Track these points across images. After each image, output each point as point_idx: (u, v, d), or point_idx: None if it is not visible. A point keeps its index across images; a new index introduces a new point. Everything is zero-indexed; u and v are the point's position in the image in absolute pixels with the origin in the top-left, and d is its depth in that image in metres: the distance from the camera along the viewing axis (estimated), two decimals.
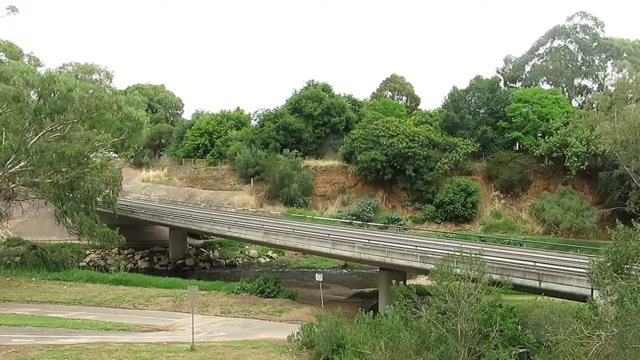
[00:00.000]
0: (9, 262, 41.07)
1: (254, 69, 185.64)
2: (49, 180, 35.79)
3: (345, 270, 48.72)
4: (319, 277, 33.88)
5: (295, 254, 51.48)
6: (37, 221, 50.40)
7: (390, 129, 58.91)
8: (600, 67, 72.40)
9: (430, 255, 26.17)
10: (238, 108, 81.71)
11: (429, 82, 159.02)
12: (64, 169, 35.79)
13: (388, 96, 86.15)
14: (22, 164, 34.87)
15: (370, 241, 31.27)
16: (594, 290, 18.03)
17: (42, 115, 35.01)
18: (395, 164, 58.38)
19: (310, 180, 62.04)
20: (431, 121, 65.67)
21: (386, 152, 57.78)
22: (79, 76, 42.99)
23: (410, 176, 58.17)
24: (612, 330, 13.52)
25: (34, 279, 38.55)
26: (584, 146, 51.60)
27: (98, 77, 45.30)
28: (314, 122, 68.07)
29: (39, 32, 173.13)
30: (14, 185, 38.05)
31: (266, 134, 66.97)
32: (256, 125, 74.28)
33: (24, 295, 33.78)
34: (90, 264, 48.64)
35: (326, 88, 71.81)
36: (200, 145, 74.86)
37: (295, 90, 73.11)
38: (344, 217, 53.98)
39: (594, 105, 55.01)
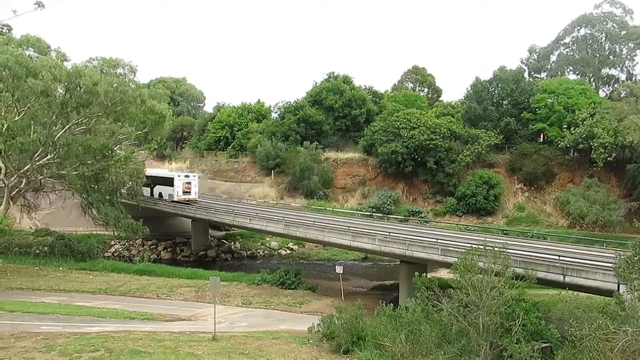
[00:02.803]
0: (38, 252, 42.23)
1: (275, 62, 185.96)
2: (75, 173, 36.58)
3: (365, 263, 48.69)
4: (339, 269, 33.95)
5: (316, 246, 51.65)
6: (64, 212, 51.68)
7: (411, 121, 58.39)
8: (628, 57, 70.34)
9: (451, 248, 25.94)
10: (259, 101, 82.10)
11: (451, 73, 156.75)
12: (89, 162, 36.51)
13: (409, 88, 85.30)
14: (49, 156, 35.63)
15: (391, 234, 31.15)
16: (621, 285, 17.66)
17: (69, 109, 35.69)
18: (416, 156, 57.88)
19: (331, 173, 62.02)
20: (453, 113, 64.82)
21: (407, 145, 57.31)
22: (103, 70, 43.64)
23: (431, 168, 57.63)
24: (639, 326, 13.24)
25: (61, 268, 39.53)
26: (611, 137, 50.27)
27: (122, 71, 45.96)
28: (335, 114, 67.93)
29: (64, 27, 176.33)
30: (41, 177, 38.98)
31: (287, 127, 67.10)
32: (277, 118, 74.50)
33: (51, 284, 34.66)
34: (115, 254, 49.68)
35: (347, 80, 71.51)
36: (222, 138, 75.49)
37: (316, 83, 73.10)
38: (364, 210, 53.85)
39: (622, 95, 53.46)
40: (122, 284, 35.53)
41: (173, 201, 49.25)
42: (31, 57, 42.77)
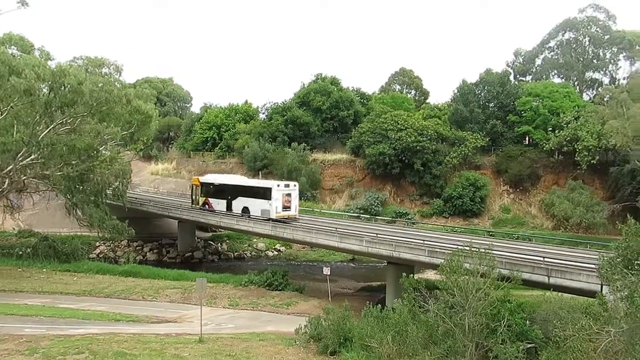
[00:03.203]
0: (21, 253, 41.62)
1: (262, 63, 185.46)
2: (59, 173, 36.14)
3: (352, 264, 48.77)
4: (326, 271, 33.96)
5: (303, 248, 51.59)
6: (48, 213, 50.93)
7: (398, 123, 58.68)
8: (611, 61, 71.53)
9: (438, 250, 26.08)
10: (246, 101, 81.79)
11: (438, 75, 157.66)
12: (74, 162, 36.10)
13: (397, 90, 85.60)
14: (33, 156, 35.17)
15: (378, 235, 31.24)
16: (604, 286, 17.90)
17: (53, 109, 35.26)
18: (403, 158, 58.18)
19: (318, 174, 62.05)
20: (440, 115, 65.28)
21: (394, 146, 57.59)
22: (89, 70, 43.36)
23: (418, 170, 57.98)
24: (621, 327, 13.45)
25: (45, 270, 38.99)
26: (595, 140, 51.06)
27: (108, 70, 45.71)
28: (322, 115, 67.98)
29: (49, 26, 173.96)
30: (25, 177, 38.44)
31: (274, 128, 66.98)
32: (264, 119, 74.31)
33: (35, 286, 34.19)
34: (100, 255, 49.10)
35: (334, 81, 71.60)
36: (209, 139, 75.08)
37: (304, 84, 73.02)
38: (351, 211, 53.94)
39: (605, 99, 54.35)
40: (107, 285, 35.17)
41: (269, 219, 37.09)
42: (14, 56, 42.21)
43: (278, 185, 38.18)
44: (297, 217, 38.57)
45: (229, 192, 41.48)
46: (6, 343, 20.03)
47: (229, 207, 41.11)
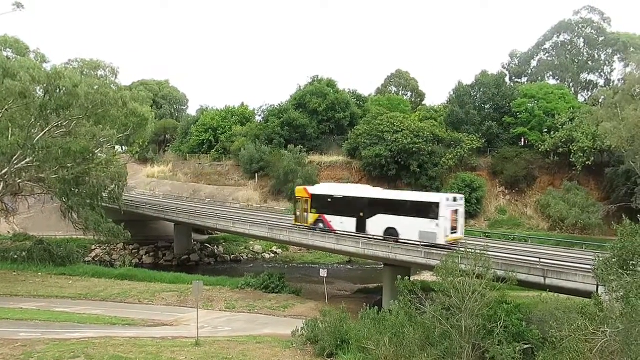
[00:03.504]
0: (16, 257, 41.43)
1: (259, 65, 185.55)
2: (54, 176, 36.01)
3: (349, 266, 48.76)
4: (323, 273, 33.93)
5: (300, 250, 51.56)
6: (43, 216, 50.76)
7: (394, 125, 58.78)
8: (606, 62, 71.94)
9: (434, 251, 26.13)
10: (242, 104, 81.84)
11: (434, 77, 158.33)
12: (69, 165, 35.98)
13: (393, 92, 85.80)
14: (28, 159, 35.04)
15: (375, 237, 31.24)
16: (600, 287, 17.96)
17: (48, 111, 35.18)
18: (399, 160, 58.25)
19: (315, 176, 61.97)
20: (436, 117, 65.41)
21: (391, 148, 57.66)
22: (84, 72, 43.20)
23: (414, 172, 58.03)
24: (617, 327, 13.48)
25: (40, 273, 38.80)
26: (590, 141, 51.31)
27: (103, 73, 45.54)
28: (319, 117, 68.04)
29: (45, 29, 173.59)
30: (20, 180, 38.27)
31: (270, 130, 66.99)
32: (260, 121, 74.34)
33: (30, 289, 34.02)
34: (96, 259, 48.92)
35: (331, 84, 71.71)
36: (205, 141, 75.00)
37: (300, 86, 73.11)
38: None
39: (599, 101, 54.61)
40: (103, 289, 35.04)
41: (434, 245, 27.60)
42: (9, 58, 42.08)
43: (447, 200, 29.26)
44: (463, 240, 29.48)
45: (360, 208, 32.20)
46: (1, 347, 19.89)
47: (360, 226, 31.57)
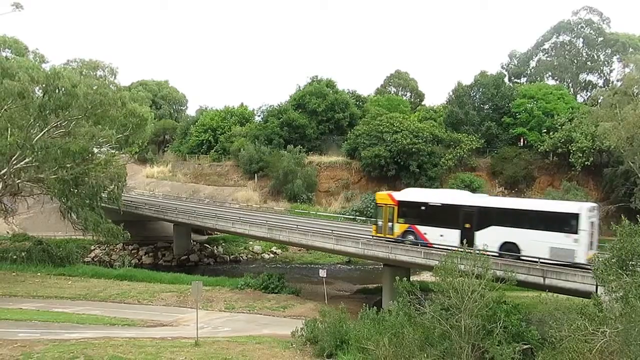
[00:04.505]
0: (15, 257, 41.36)
1: (258, 65, 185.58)
2: (54, 176, 35.96)
3: (349, 267, 48.74)
4: (322, 273, 33.94)
5: (299, 250, 51.55)
6: (43, 217, 50.71)
7: (394, 125, 58.81)
8: (605, 63, 72.02)
9: (434, 252, 26.10)
10: (242, 104, 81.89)
11: (434, 77, 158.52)
12: (68, 165, 35.93)
13: (392, 92, 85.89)
14: (27, 160, 34.99)
15: (374, 237, 31.22)
16: (599, 287, 17.96)
17: (47, 112, 35.10)
18: (399, 160, 58.27)
19: (314, 177, 62.06)
20: (435, 117, 65.46)
21: (390, 148, 57.67)
22: (83, 72, 42.98)
23: (414, 172, 58.06)
24: (616, 327, 13.50)
25: (39, 274, 38.76)
26: (589, 141, 51.36)
27: (102, 73, 45.32)
28: (318, 118, 68.05)
29: (44, 29, 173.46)
30: (19, 181, 38.22)
31: (270, 130, 66.99)
32: (260, 122, 74.35)
33: (29, 290, 33.98)
34: (95, 259, 48.88)
35: (330, 84, 71.74)
36: (204, 142, 75.00)
37: (299, 86, 73.16)
38: (347, 213, 53.97)
39: (598, 101, 54.65)
40: (103, 289, 35.01)
41: (571, 265, 22.52)
42: (8, 58, 42.03)
43: (588, 210, 23.69)
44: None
45: (466, 218, 26.84)
46: (0, 348, 19.86)
47: (468, 240, 22.60)
